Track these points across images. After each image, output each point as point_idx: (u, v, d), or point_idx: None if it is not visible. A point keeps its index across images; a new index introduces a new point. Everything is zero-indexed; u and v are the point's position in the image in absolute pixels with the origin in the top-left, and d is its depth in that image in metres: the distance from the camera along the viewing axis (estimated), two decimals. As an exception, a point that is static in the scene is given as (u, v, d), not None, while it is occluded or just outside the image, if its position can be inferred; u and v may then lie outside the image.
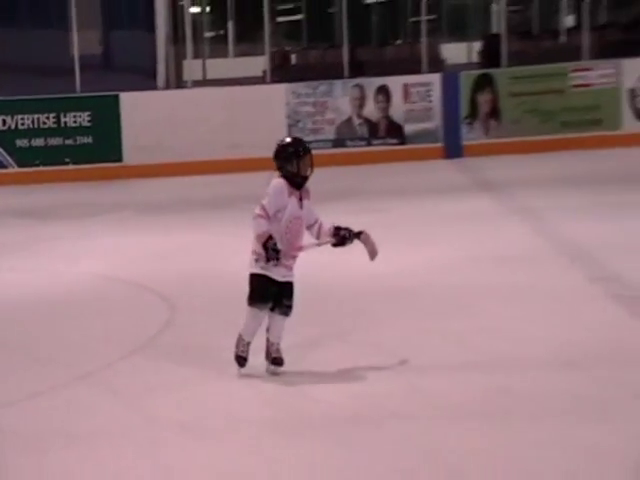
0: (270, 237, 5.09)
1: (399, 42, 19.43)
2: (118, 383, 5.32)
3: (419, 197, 10.81)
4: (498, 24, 15.45)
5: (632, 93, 13.41)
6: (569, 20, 17.56)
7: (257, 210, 5.17)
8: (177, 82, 14.58)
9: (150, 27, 14.48)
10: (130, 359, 5.75)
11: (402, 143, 13.67)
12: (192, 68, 15.54)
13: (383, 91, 13.55)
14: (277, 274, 5.16)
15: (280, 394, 5.04)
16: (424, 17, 14.56)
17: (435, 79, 13.68)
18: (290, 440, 4.43)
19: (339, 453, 4.22)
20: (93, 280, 7.80)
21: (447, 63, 15.27)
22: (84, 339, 6.19)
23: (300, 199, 5.26)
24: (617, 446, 4.11)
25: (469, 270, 7.38)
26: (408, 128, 13.58)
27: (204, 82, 16.18)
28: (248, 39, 18.18)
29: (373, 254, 5.29)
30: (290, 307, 5.24)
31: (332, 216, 5.42)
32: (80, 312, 6.90)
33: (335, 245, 5.35)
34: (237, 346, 5.25)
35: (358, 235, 5.34)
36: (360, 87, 13.58)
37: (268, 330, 5.28)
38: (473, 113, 13.55)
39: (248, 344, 5.24)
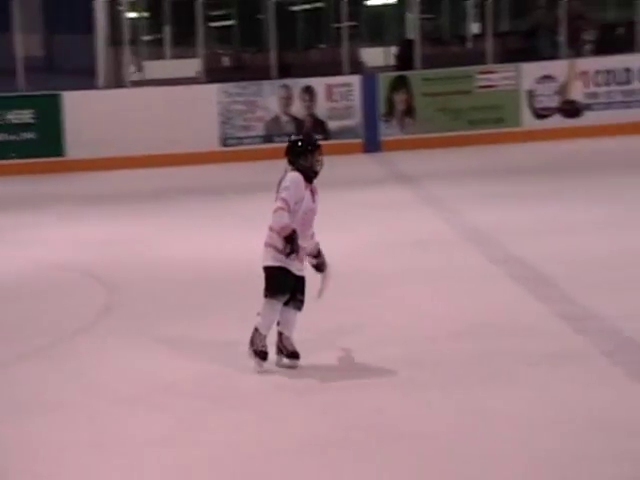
0: (294, 231, 4.84)
1: (323, 46, 19.47)
2: (62, 360, 5.31)
3: (341, 188, 10.88)
4: (412, 31, 15.56)
5: (530, 94, 13.71)
6: (475, 28, 17.75)
7: (278, 203, 4.87)
8: (116, 82, 14.44)
9: (90, 31, 14.29)
10: (72, 339, 5.74)
11: (326, 139, 13.68)
12: (131, 69, 15.41)
13: (308, 91, 13.62)
14: (294, 268, 4.91)
15: (211, 371, 5.09)
16: (345, 23, 14.63)
17: (355, 80, 13.79)
18: (220, 413, 4.50)
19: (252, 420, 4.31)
20: (38, 267, 7.72)
21: (366, 66, 15.34)
22: (29, 320, 6.16)
23: (312, 192, 5.06)
24: (512, 409, 4.28)
25: (385, 254, 7.50)
26: (331, 125, 13.67)
27: (142, 82, 15.98)
28: (183, 42, 18.01)
29: (322, 292, 5.08)
30: (302, 302, 4.98)
31: (265, 205, 5.37)
32: (26, 296, 6.85)
33: (313, 266, 5.11)
34: (255, 342, 4.89)
35: (323, 269, 5.13)
36: (287, 87, 13.62)
37: (279, 324, 4.98)
38: (390, 111, 13.70)
39: (265, 337, 4.91)
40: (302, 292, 4.97)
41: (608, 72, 13.61)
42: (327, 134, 13.66)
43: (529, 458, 3.74)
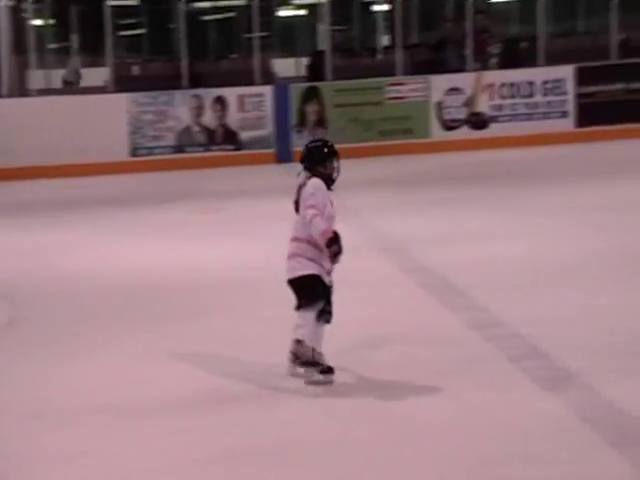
0: (336, 232, 4.67)
1: (234, 56, 19.45)
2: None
3: (252, 198, 10.88)
4: (323, 42, 15.70)
5: (439, 106, 14.00)
6: (385, 40, 18.03)
7: (311, 211, 4.68)
8: (21, 91, 14.09)
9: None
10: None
11: (238, 149, 13.74)
12: (36, 77, 15.05)
13: (220, 101, 13.57)
14: (326, 278, 4.75)
15: (119, 382, 5.03)
16: (257, 34, 14.66)
17: (267, 91, 13.82)
18: (132, 423, 4.44)
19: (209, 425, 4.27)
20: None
21: (278, 76, 15.40)
22: None
23: (330, 199, 4.89)
24: (424, 416, 4.34)
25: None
26: (243, 135, 13.66)
27: (48, 91, 15.63)
28: (91, 51, 17.70)
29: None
30: (331, 313, 4.78)
31: (176, 213, 5.29)
32: None
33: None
34: (303, 354, 4.66)
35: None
36: (198, 97, 13.54)
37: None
38: (302, 122, 13.77)
39: (315, 350, 4.66)
40: (330, 303, 4.78)
41: (512, 85, 14.03)
42: (239, 144, 13.66)
43: (441, 461, 3.79)
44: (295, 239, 4.80)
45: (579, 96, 13.86)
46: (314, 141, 5.11)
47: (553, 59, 14.18)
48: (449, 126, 14.01)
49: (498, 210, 9.21)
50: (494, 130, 14.00)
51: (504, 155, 13.09)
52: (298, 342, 4.69)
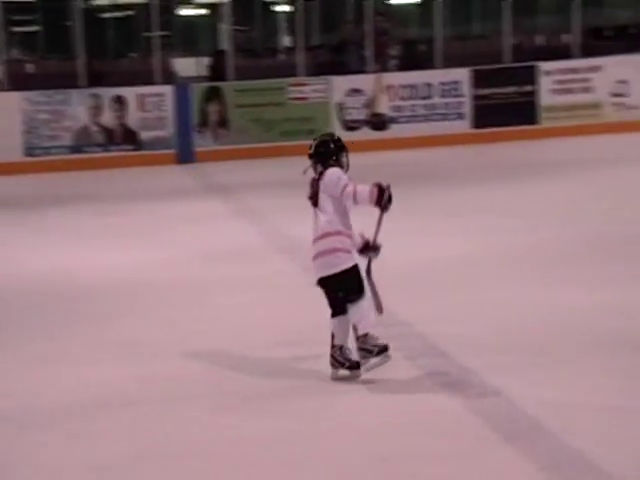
0: (378, 184, 4.62)
1: (134, 55, 19.11)
2: None
3: (153, 200, 10.74)
4: (225, 42, 15.61)
5: (340, 106, 14.13)
6: (286, 41, 18.05)
7: (349, 188, 4.59)
8: None
9: None
10: None
11: (137, 149, 13.52)
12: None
13: (119, 100, 13.33)
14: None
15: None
16: (157, 33, 14.45)
17: (168, 90, 13.65)
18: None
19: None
20: None
21: (179, 76, 15.22)
22: None
23: None
24: (323, 414, 4.36)
25: (201, 266, 7.46)
26: (143, 135, 13.45)
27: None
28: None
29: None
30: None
31: (73, 215, 5.17)
32: None
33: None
34: (346, 356, 4.64)
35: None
36: (97, 96, 13.26)
37: (337, 337, 4.67)
38: (203, 122, 13.66)
39: (377, 338, 4.64)
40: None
41: (411, 87, 14.29)
42: (138, 145, 13.44)
43: (337, 460, 3.82)
44: (326, 235, 4.72)
45: (475, 98, 14.24)
46: (323, 135, 5.06)
47: (450, 62, 14.51)
48: (350, 127, 14.14)
49: (397, 211, 9.32)
50: (394, 131, 14.20)
51: (404, 156, 13.29)
52: (367, 335, 4.60)
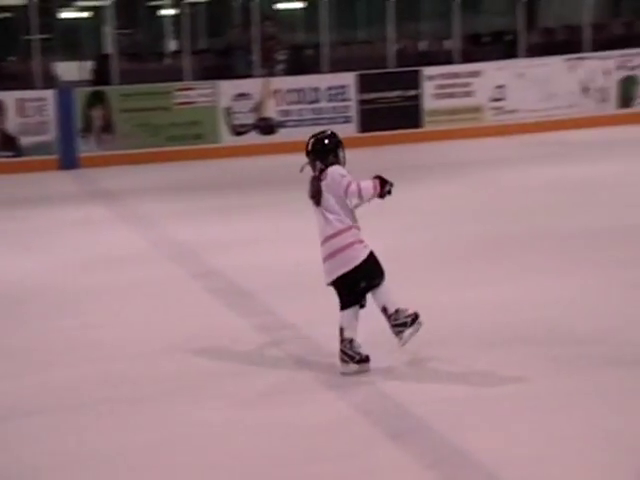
0: (379, 176, 4.78)
1: (13, 59, 18.49)
2: None
3: (36, 206, 10.42)
4: (109, 45, 15.29)
5: (227, 111, 14.06)
6: (172, 45, 17.86)
7: (353, 185, 4.71)
8: None
9: None
10: None
11: (17, 155, 13.09)
12: None
13: (-3, 105, 12.87)
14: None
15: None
16: (37, 36, 14.03)
17: (49, 95, 13.25)
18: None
19: None
20: None
21: (61, 80, 14.83)
22: None
23: None
24: (216, 419, 4.33)
25: (84, 272, 7.30)
26: (23, 141, 13.01)
27: None
28: None
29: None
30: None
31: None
32: None
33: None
34: (356, 350, 4.74)
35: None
36: (-26, 101, 12.77)
37: (347, 331, 4.76)
38: (87, 127, 13.33)
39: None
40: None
41: (299, 91, 14.36)
42: (18, 151, 13.00)
43: (228, 465, 3.80)
44: (339, 232, 4.77)
45: (361, 102, 14.44)
46: (319, 133, 5.02)
47: (336, 66, 14.67)
48: (238, 131, 14.09)
49: (288, 214, 9.37)
50: (282, 135, 14.23)
51: (292, 160, 13.20)
52: (397, 311, 4.75)
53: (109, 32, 15.15)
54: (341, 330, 4.77)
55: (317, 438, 4.03)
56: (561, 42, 15.70)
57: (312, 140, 4.92)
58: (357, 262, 4.75)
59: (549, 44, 15.65)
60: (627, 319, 5.47)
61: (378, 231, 6.64)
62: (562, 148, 12.95)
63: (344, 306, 4.79)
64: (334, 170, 4.81)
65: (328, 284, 4.85)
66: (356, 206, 4.89)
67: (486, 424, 4.08)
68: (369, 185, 4.77)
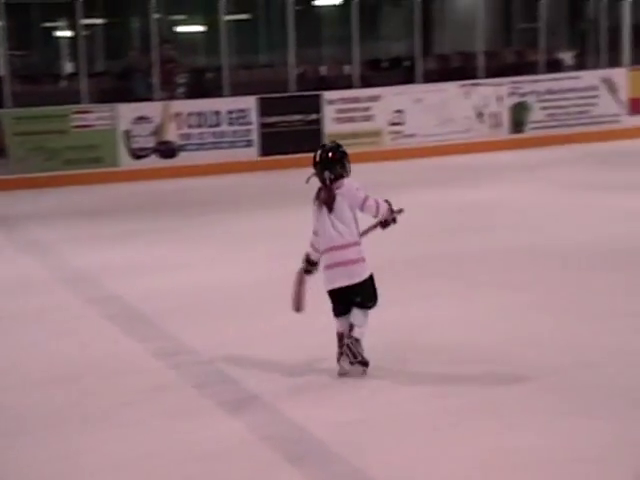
0: (387, 201, 5.03)
1: None
2: None
3: None
4: (1, 67, 14.87)
5: (127, 134, 13.87)
6: (69, 67, 17.51)
7: (371, 200, 4.95)
8: None
9: None
10: None
11: None
12: None
13: None
14: None
15: None
16: None
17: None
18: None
19: None
20: None
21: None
22: None
23: None
24: (103, 447, 4.21)
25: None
26: None
27: None
28: None
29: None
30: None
31: None
32: None
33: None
34: (358, 353, 4.88)
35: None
36: None
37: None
38: (-21, 151, 12.94)
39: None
40: None
41: (199, 114, 14.30)
42: None
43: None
44: (347, 245, 4.91)
45: (262, 126, 14.50)
46: (326, 145, 5.18)
47: (237, 90, 14.68)
48: (138, 155, 13.91)
49: (187, 239, 9.28)
50: (183, 159, 14.14)
51: (193, 183, 13.26)
52: (357, 341, 4.88)
53: (1, 53, 14.75)
54: (351, 327, 4.92)
55: (215, 462, 3.98)
56: (456, 68, 16.14)
57: (320, 151, 5.06)
58: (359, 279, 4.91)
59: (445, 70, 16.10)
60: (522, 338, 5.61)
61: (288, 253, 6.63)
62: (457, 172, 13.30)
63: (341, 313, 4.99)
64: (350, 182, 4.99)
65: (328, 291, 5.01)
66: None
67: (384, 445, 4.10)
68: (384, 205, 5.02)
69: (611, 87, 15.90)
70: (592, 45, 17.13)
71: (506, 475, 3.79)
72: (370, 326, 4.98)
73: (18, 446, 4.30)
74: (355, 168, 5.16)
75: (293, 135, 14.37)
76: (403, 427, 4.31)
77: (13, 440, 4.38)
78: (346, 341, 4.89)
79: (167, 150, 14.10)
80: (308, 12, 16.87)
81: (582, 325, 5.82)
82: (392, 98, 15.00)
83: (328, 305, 5.07)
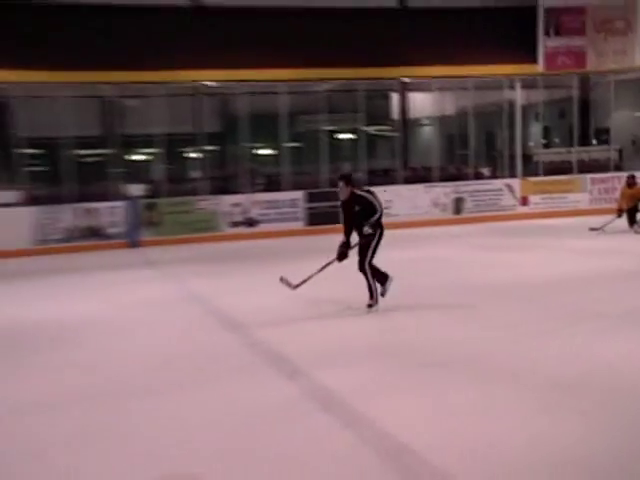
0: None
1: None
2: None
3: (109, 270, 10.37)
4: (159, 175, 15.05)
5: (228, 214, 14.45)
6: (195, 173, 16.26)
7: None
8: None
9: None
10: None
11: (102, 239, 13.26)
12: None
13: None
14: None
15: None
16: None
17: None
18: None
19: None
20: None
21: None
22: None
23: None
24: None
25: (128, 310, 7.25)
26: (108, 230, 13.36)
27: None
28: None
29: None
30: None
31: None
32: None
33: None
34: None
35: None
36: None
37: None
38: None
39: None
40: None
41: (270, 201, 14.57)
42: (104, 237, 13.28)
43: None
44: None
45: (307, 209, 14.72)
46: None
47: (292, 187, 14.82)
48: (233, 224, 14.28)
49: (260, 274, 9.32)
50: (260, 228, 14.34)
51: (266, 243, 13.25)
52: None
53: (160, 168, 14.78)
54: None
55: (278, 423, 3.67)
56: (421, 176, 16.47)
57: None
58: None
59: (415, 177, 16.46)
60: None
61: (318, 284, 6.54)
62: (419, 238, 13.14)
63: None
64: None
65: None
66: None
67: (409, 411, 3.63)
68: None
69: (510, 189, 16.55)
70: (500, 164, 17.83)
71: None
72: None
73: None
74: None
75: (325, 214, 14.73)
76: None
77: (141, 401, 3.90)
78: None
79: (250, 222, 14.86)
80: (333, 142, 17.46)
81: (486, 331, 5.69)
82: (383, 194, 16.22)
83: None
